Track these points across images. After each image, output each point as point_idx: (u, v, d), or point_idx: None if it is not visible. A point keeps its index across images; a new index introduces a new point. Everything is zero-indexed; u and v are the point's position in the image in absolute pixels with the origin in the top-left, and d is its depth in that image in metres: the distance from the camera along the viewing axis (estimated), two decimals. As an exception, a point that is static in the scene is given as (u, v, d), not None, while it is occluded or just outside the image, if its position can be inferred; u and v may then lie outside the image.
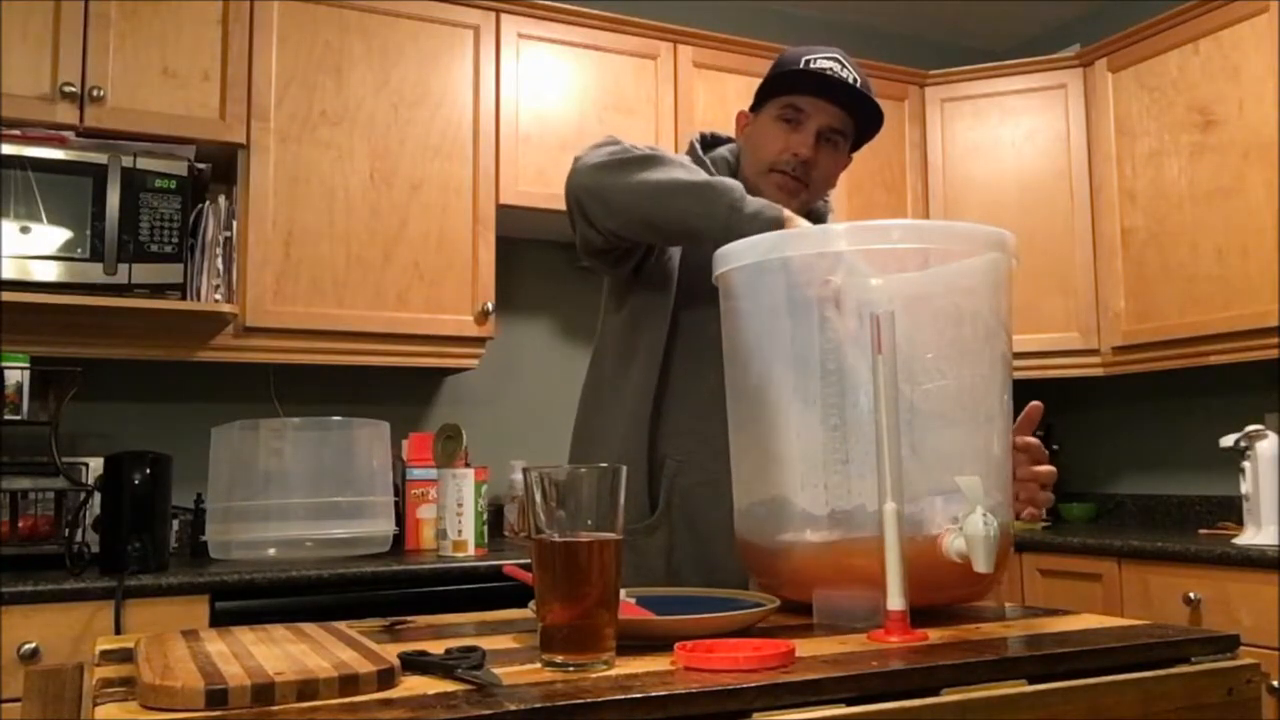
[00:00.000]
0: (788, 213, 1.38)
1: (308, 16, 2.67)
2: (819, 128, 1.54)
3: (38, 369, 2.32)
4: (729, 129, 1.71)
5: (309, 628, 1.07)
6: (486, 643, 1.04)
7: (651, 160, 1.46)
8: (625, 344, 1.61)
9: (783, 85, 1.55)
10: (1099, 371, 3.20)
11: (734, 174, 1.60)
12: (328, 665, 0.85)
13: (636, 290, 1.61)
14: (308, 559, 2.36)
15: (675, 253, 1.60)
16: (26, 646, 1.96)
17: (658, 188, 1.42)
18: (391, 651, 0.93)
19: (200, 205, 2.50)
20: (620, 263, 1.58)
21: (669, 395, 1.56)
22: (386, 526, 2.54)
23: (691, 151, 1.64)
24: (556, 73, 2.95)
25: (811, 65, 1.52)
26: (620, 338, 1.63)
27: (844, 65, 1.53)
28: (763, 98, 1.59)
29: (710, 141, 1.69)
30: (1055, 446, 3.47)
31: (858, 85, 1.53)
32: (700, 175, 1.44)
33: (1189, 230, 2.93)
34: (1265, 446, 2.49)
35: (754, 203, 1.39)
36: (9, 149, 2.30)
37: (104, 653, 1.05)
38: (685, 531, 1.54)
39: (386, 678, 0.85)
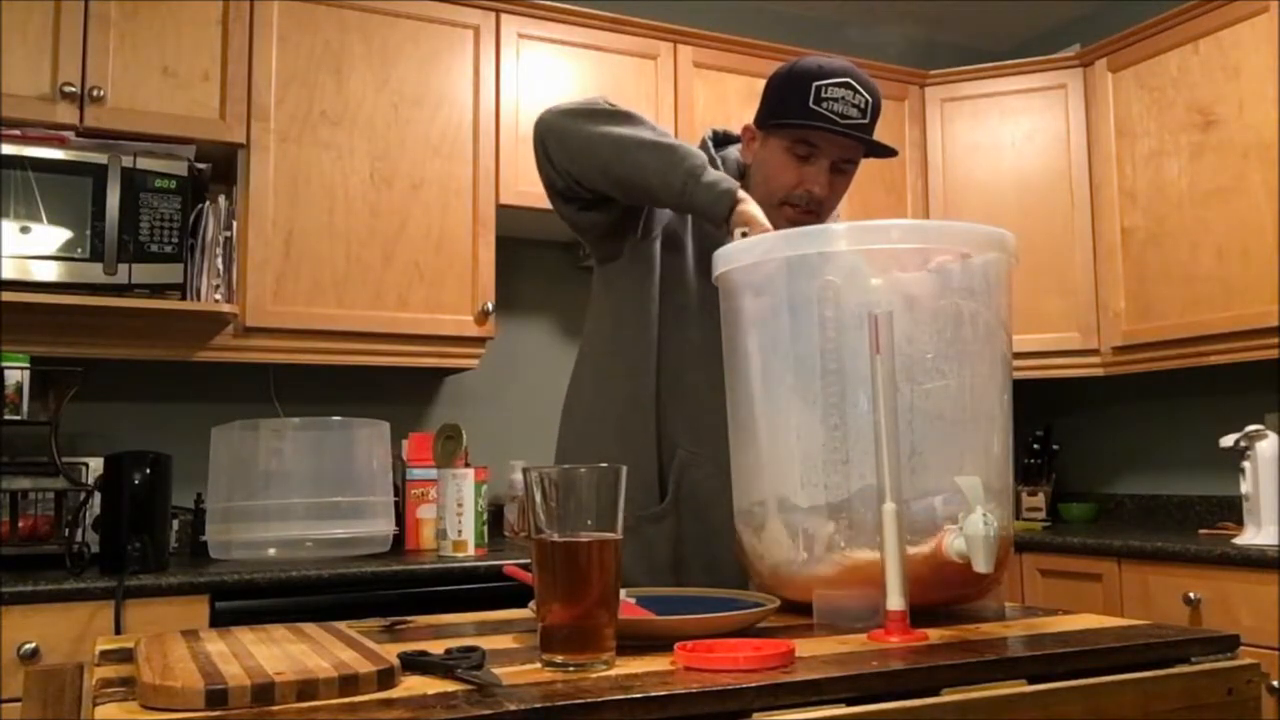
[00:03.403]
0: (743, 194, 1.40)
1: (308, 16, 2.67)
2: (832, 160, 1.54)
3: (38, 369, 2.32)
4: (728, 128, 1.70)
5: (309, 628, 1.07)
6: (486, 643, 1.04)
7: (621, 115, 1.49)
8: (614, 319, 1.62)
9: (795, 116, 1.51)
10: (1099, 371, 3.20)
11: (742, 176, 1.61)
12: (328, 665, 0.85)
13: (622, 267, 1.61)
14: (308, 559, 2.36)
15: (658, 244, 1.60)
16: (26, 646, 1.96)
17: (620, 139, 1.45)
18: (391, 651, 0.93)
19: (200, 205, 2.50)
20: (588, 210, 1.55)
21: (681, 381, 1.56)
22: (386, 526, 2.54)
23: (704, 147, 1.63)
24: (556, 73, 2.95)
25: (824, 94, 1.49)
26: (608, 316, 1.63)
27: (855, 88, 1.50)
28: (771, 118, 1.55)
29: (722, 139, 1.69)
30: (1055, 446, 3.47)
31: (871, 107, 1.52)
32: (668, 138, 1.46)
33: (1189, 230, 2.92)
34: (1265, 446, 2.49)
35: (713, 174, 1.41)
36: (9, 149, 2.30)
37: (104, 653, 1.05)
38: (693, 523, 1.54)
39: (386, 678, 0.85)
